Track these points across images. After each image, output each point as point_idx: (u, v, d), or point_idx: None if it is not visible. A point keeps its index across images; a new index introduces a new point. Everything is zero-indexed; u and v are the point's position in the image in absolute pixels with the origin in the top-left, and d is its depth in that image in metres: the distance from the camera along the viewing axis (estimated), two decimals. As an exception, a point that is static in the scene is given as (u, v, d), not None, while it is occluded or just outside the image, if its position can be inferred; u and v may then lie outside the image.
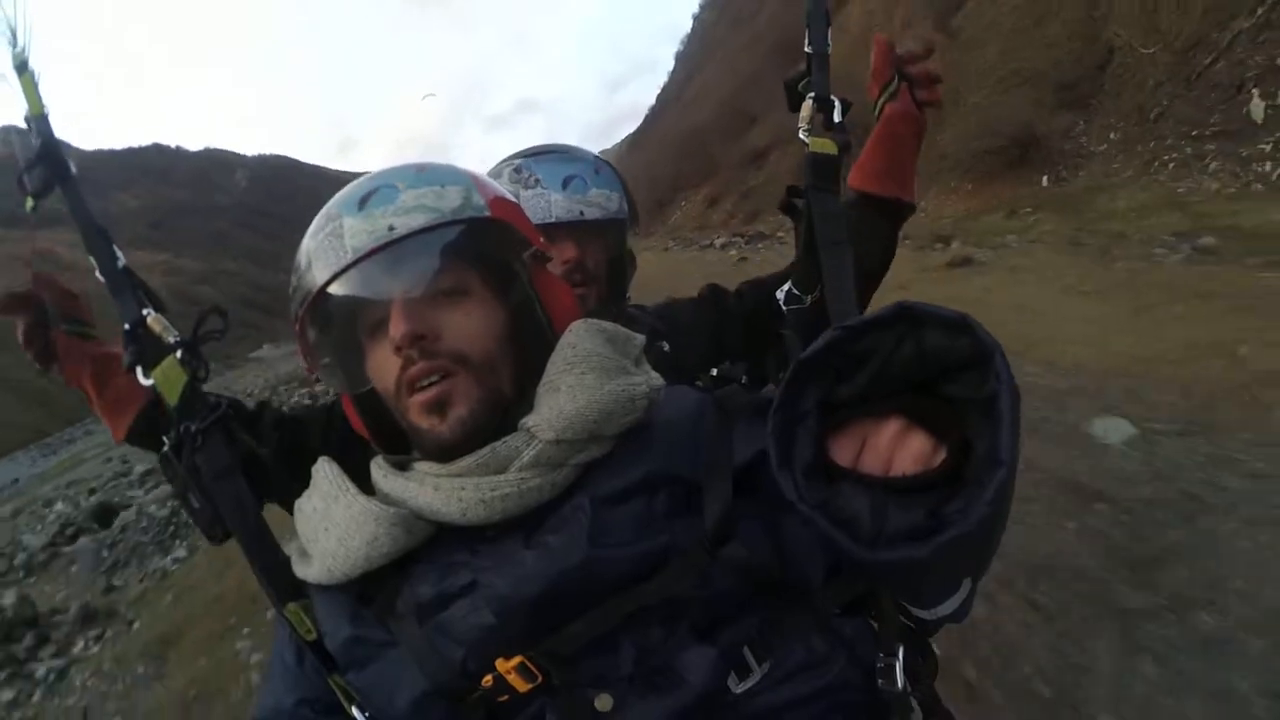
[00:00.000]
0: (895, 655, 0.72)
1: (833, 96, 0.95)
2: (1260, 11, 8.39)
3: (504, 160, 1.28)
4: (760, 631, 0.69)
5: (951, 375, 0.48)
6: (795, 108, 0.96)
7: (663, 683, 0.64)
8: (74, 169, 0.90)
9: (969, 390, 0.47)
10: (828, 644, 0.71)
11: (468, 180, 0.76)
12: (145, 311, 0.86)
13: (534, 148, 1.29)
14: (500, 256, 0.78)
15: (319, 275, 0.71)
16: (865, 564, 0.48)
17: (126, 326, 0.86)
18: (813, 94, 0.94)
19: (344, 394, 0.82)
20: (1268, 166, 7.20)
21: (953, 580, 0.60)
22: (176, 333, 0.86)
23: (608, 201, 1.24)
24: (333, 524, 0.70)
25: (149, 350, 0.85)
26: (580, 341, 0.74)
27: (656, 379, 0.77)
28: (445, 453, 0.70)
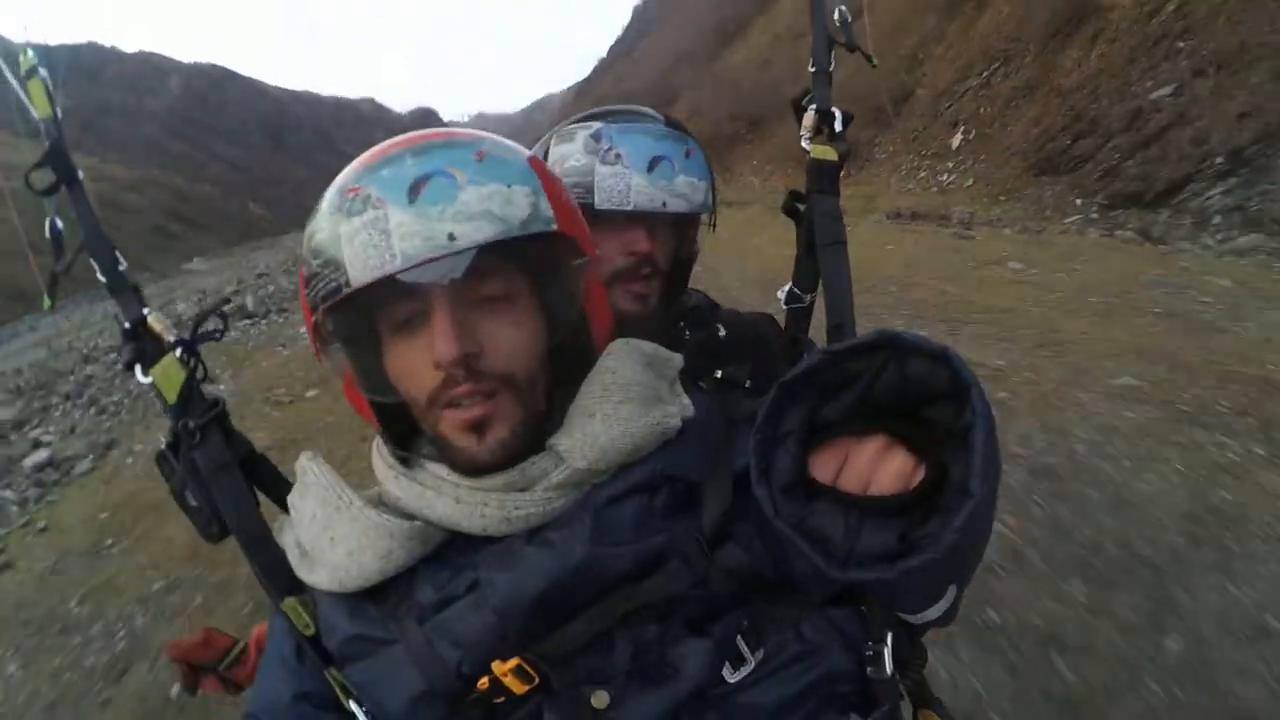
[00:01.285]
0: (884, 642, 0.72)
1: (834, 109, 1.00)
2: (984, 74, 12.71)
3: (579, 119, 1.09)
4: (752, 621, 0.68)
5: (932, 401, 0.50)
6: (799, 120, 1.02)
7: (658, 676, 0.64)
8: (81, 174, 0.89)
9: (946, 418, 0.49)
10: (819, 631, 0.71)
11: (535, 180, 0.67)
12: (145, 311, 0.86)
13: (614, 109, 1.11)
14: (557, 269, 0.72)
15: (355, 273, 0.61)
16: (837, 582, 0.50)
17: (126, 325, 0.85)
18: (815, 106, 1.01)
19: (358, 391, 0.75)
20: (944, 177, 11.73)
21: (936, 591, 0.61)
22: (175, 332, 0.86)
23: (694, 192, 1.06)
24: (339, 536, 0.69)
25: (149, 349, 0.85)
26: (620, 367, 0.73)
27: (687, 405, 0.76)
28: (477, 471, 0.68)
